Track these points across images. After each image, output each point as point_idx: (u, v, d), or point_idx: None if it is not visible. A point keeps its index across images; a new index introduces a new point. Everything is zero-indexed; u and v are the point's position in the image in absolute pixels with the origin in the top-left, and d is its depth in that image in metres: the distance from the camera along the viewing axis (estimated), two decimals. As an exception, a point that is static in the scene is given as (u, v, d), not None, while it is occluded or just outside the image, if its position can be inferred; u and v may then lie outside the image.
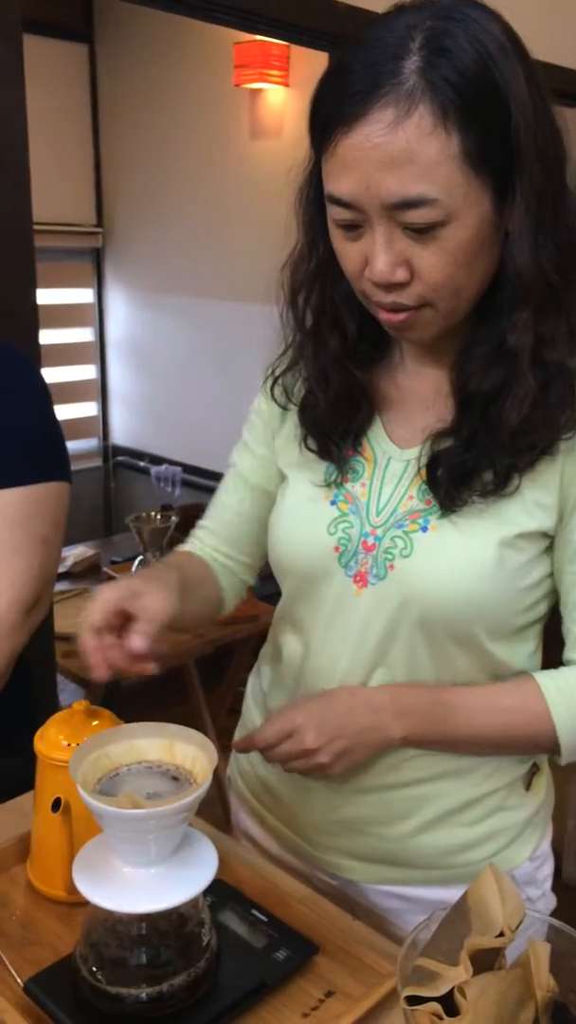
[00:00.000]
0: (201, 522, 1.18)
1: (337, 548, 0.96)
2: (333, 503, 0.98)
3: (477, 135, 0.77)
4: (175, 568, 1.05)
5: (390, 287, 0.84)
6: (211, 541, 1.15)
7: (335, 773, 0.93)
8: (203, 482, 4.04)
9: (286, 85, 3.41)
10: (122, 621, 0.87)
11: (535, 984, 0.70)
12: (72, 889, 0.93)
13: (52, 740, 0.94)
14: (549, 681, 0.93)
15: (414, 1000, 0.68)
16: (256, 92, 3.51)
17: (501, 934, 0.71)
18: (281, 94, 3.45)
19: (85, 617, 0.87)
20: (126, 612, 0.87)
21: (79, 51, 4.18)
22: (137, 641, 0.85)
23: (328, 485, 0.98)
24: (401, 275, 0.82)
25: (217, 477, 4.00)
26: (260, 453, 1.10)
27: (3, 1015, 0.79)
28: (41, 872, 0.97)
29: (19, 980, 0.83)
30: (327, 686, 0.98)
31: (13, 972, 0.85)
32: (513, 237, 0.82)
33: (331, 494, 0.98)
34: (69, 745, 0.93)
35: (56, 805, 0.93)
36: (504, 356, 0.85)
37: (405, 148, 0.76)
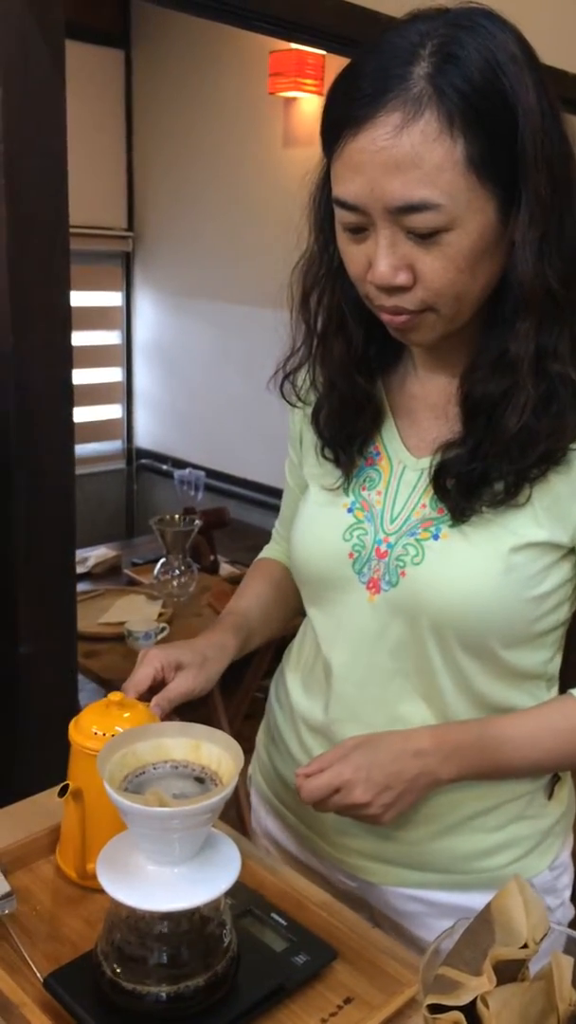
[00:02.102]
0: (277, 526, 1.26)
1: (352, 555, 0.97)
2: (350, 510, 0.99)
3: (483, 143, 0.78)
4: (239, 627, 1.12)
5: (392, 291, 0.85)
6: (286, 546, 1.19)
7: (386, 822, 0.93)
8: (226, 487, 4.05)
9: (320, 94, 3.42)
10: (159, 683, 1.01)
11: (557, 997, 0.70)
12: (84, 875, 0.95)
13: (85, 729, 0.96)
14: None
15: (436, 1009, 0.68)
16: (290, 101, 3.53)
17: (525, 946, 0.70)
18: (315, 103, 3.46)
19: (134, 681, 1.01)
20: (162, 679, 1.01)
21: (115, 56, 4.22)
22: (155, 710, 0.98)
23: (346, 492, 1.00)
24: (403, 279, 0.83)
25: (239, 482, 4.02)
26: (297, 461, 1.13)
27: (23, 1010, 0.80)
28: (63, 856, 1.00)
29: (39, 975, 0.84)
30: (349, 692, 0.99)
31: (34, 967, 0.85)
32: (517, 247, 0.82)
33: (348, 501, 0.99)
34: (101, 734, 0.94)
35: (63, 791, 0.94)
36: (507, 365, 0.86)
37: (410, 152, 0.77)
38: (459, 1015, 0.66)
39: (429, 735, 0.93)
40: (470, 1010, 0.67)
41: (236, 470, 4.07)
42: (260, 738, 1.20)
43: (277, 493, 4.21)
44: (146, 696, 1.00)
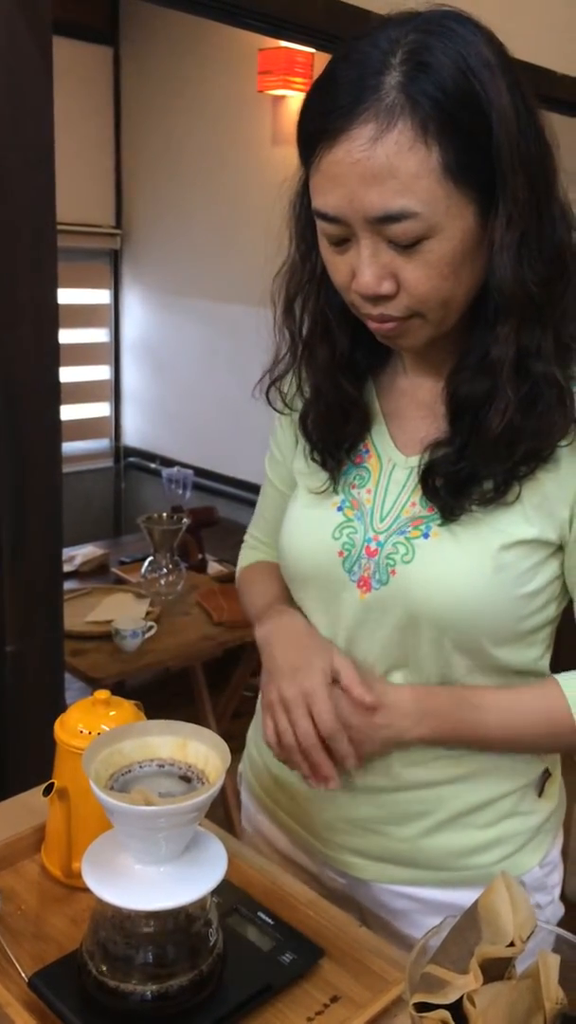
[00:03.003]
0: (252, 531, 1.23)
1: (341, 553, 0.97)
2: (340, 509, 0.99)
3: (458, 149, 0.78)
4: (289, 600, 1.07)
5: (377, 299, 0.85)
6: (267, 550, 1.20)
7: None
8: (214, 485, 4.05)
9: (309, 92, 3.42)
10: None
11: (544, 995, 0.70)
12: (69, 874, 0.94)
13: (71, 727, 0.95)
14: (572, 681, 0.94)
15: (423, 1007, 0.68)
16: (279, 99, 3.53)
17: (512, 944, 0.70)
18: (304, 101, 3.46)
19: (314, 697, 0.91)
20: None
21: (103, 53, 4.20)
22: (368, 696, 0.90)
23: (335, 491, 0.99)
24: (387, 288, 0.83)
25: (228, 481, 4.03)
26: (283, 460, 1.12)
27: (7, 1010, 0.79)
28: (48, 855, 0.99)
29: (24, 975, 0.83)
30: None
31: (18, 966, 0.85)
32: (495, 250, 0.82)
33: (338, 500, 0.99)
34: (87, 733, 0.94)
35: (48, 789, 0.93)
36: (489, 366, 0.86)
37: (385, 163, 0.77)
38: (446, 1014, 0.66)
39: (409, 691, 0.94)
40: (457, 1008, 0.67)
41: (224, 469, 4.07)
42: (250, 735, 1.20)
43: (265, 492, 4.10)
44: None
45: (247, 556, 1.23)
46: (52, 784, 0.93)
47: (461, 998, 0.67)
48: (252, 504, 4.15)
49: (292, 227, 0.95)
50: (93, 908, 0.81)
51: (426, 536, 0.92)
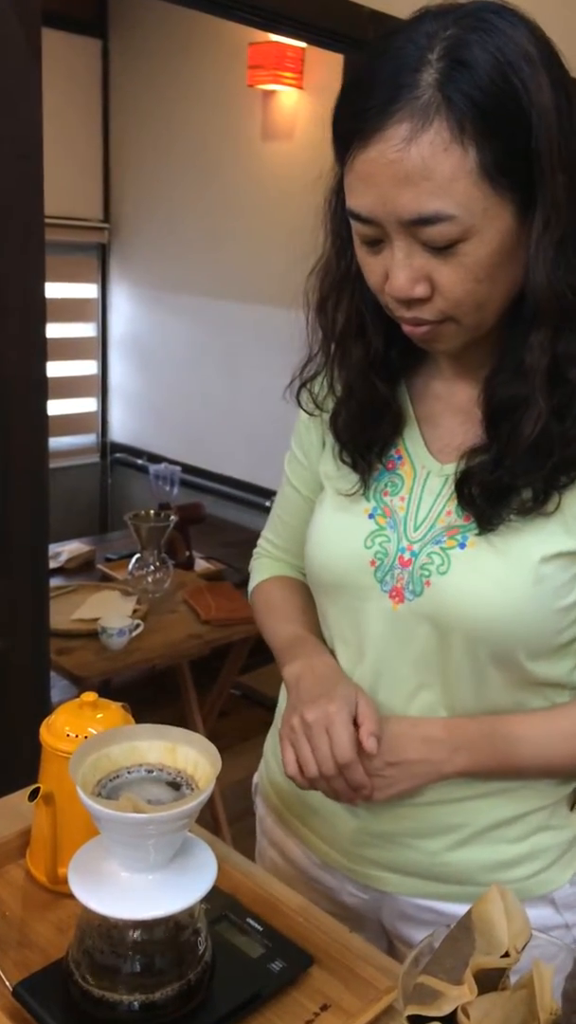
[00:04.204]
0: (267, 534, 1.19)
1: (373, 562, 0.94)
2: (371, 516, 0.95)
3: (496, 149, 0.75)
4: (312, 628, 1.05)
5: (410, 303, 0.82)
6: (284, 556, 1.16)
7: (376, 799, 0.91)
8: (201, 482, 4.03)
9: (300, 88, 3.40)
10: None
11: (539, 1006, 0.69)
12: (55, 880, 0.93)
13: (57, 731, 0.94)
14: None
15: (416, 1020, 0.66)
16: (269, 94, 3.50)
17: (506, 954, 0.69)
18: (294, 96, 3.44)
19: (339, 725, 0.89)
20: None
21: (92, 45, 4.17)
22: (370, 743, 0.88)
23: (365, 497, 0.96)
24: (421, 291, 0.81)
25: (215, 478, 4.00)
26: (307, 463, 1.08)
27: (-9, 1019, 0.78)
28: (33, 860, 0.97)
29: (8, 983, 0.82)
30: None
31: (2, 975, 0.83)
32: (531, 253, 0.79)
33: (369, 507, 0.96)
34: (74, 736, 0.92)
35: (34, 794, 0.92)
36: (525, 371, 0.83)
37: (420, 164, 0.75)
38: (440, 1026, 0.65)
39: (442, 725, 0.92)
40: (450, 1020, 0.66)
41: (212, 465, 4.05)
42: (268, 745, 1.16)
43: (253, 489, 4.21)
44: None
45: (262, 567, 1.18)
46: (38, 788, 0.92)
47: (455, 1010, 0.66)
48: (240, 501, 4.15)
49: (327, 224, 0.92)
50: (79, 916, 0.79)
51: (462, 546, 0.89)
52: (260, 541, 1.20)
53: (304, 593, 1.12)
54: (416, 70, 0.75)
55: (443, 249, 0.78)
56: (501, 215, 0.77)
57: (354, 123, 0.78)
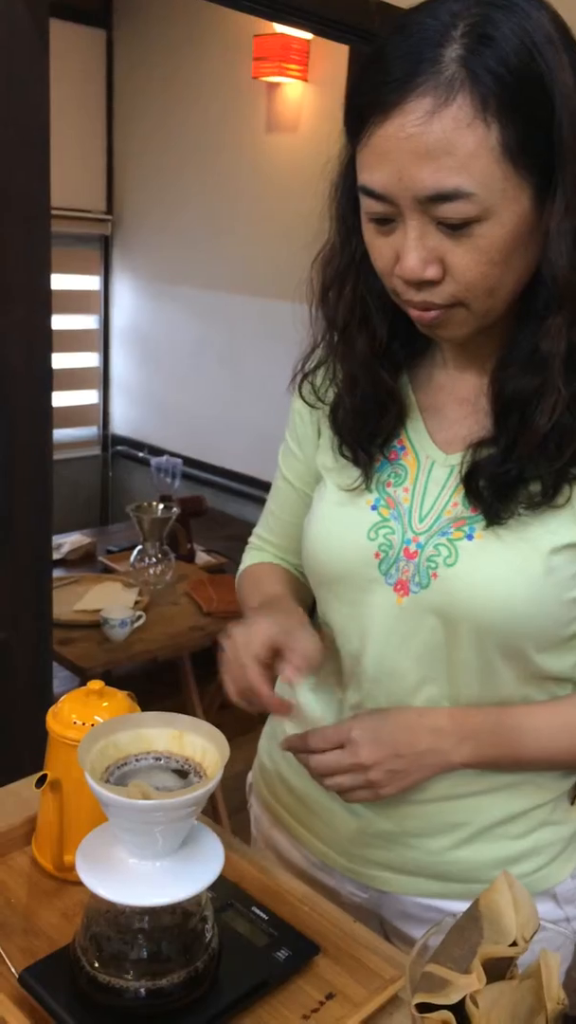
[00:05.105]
0: (259, 531, 1.17)
1: (378, 555, 0.93)
2: (374, 508, 0.94)
3: (518, 128, 0.74)
4: (291, 597, 1.02)
5: (421, 285, 0.81)
6: (276, 552, 1.14)
7: (386, 794, 0.90)
8: (202, 475, 4.03)
9: (305, 80, 3.39)
10: (271, 659, 0.88)
11: (546, 995, 0.69)
12: (61, 867, 0.93)
13: (64, 718, 0.93)
14: None
15: (424, 1008, 0.66)
16: (274, 86, 3.49)
17: (514, 943, 0.69)
18: (299, 89, 3.43)
19: (245, 647, 0.87)
20: (278, 649, 0.87)
21: (96, 36, 4.15)
22: (295, 676, 0.86)
23: (368, 489, 0.95)
24: (432, 272, 0.79)
25: (216, 471, 3.99)
26: (302, 456, 1.07)
27: (-3, 1005, 0.78)
28: (39, 848, 0.97)
29: (14, 970, 0.82)
30: (372, 696, 0.96)
31: (8, 962, 0.83)
32: (551, 238, 0.78)
33: (372, 498, 0.95)
34: (81, 724, 0.92)
35: (41, 781, 0.92)
36: (539, 360, 0.82)
37: (441, 139, 0.73)
38: (448, 1014, 0.65)
39: (447, 715, 0.91)
40: (459, 1008, 0.66)
41: (213, 458, 4.05)
42: (262, 744, 1.16)
43: (254, 482, 4.20)
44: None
45: (250, 558, 1.17)
46: (44, 776, 0.92)
47: (464, 998, 0.66)
48: (241, 494, 4.13)
49: (333, 210, 0.90)
50: (87, 903, 0.79)
51: (470, 538, 0.88)
52: (252, 537, 1.19)
53: (292, 574, 1.11)
54: (440, 45, 0.74)
55: (458, 229, 0.76)
56: (519, 198, 0.76)
57: (373, 96, 0.76)
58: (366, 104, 0.77)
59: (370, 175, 0.79)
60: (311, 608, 1.08)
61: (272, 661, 0.88)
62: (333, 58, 3.27)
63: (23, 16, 1.50)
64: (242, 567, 1.18)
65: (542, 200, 0.77)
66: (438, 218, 0.77)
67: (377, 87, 0.76)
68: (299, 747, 0.94)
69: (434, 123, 0.73)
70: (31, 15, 1.50)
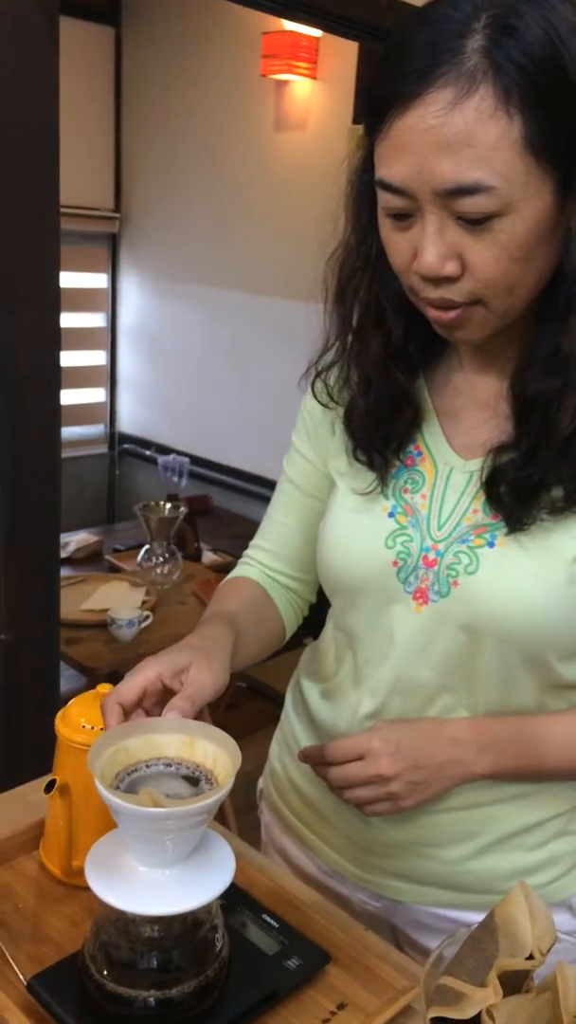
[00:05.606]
0: (255, 541, 1.13)
1: (396, 563, 0.91)
2: (391, 515, 0.92)
3: (541, 121, 0.72)
4: (229, 622, 0.97)
5: (439, 282, 0.79)
6: (269, 562, 1.10)
7: (406, 806, 0.89)
8: (209, 474, 4.02)
9: (313, 78, 3.38)
10: (161, 695, 0.84)
11: (563, 1008, 0.68)
12: (69, 872, 0.92)
13: (73, 722, 0.93)
14: None
15: (440, 1022, 0.65)
16: (282, 83, 3.48)
17: (531, 956, 0.68)
18: (308, 87, 3.42)
19: (116, 692, 0.82)
20: (167, 688, 0.84)
21: (105, 33, 4.14)
22: (181, 713, 0.82)
23: (384, 496, 0.93)
24: (451, 269, 0.77)
25: (223, 470, 3.98)
26: (312, 459, 1.05)
27: (5, 1013, 0.77)
28: (47, 852, 0.96)
29: (22, 977, 0.81)
30: (388, 706, 0.94)
31: (16, 969, 0.82)
32: (573, 234, 0.77)
33: (388, 505, 0.93)
34: (90, 728, 0.91)
35: (50, 787, 0.91)
36: (560, 362, 0.81)
37: (463, 131, 0.72)
38: (464, 1028, 0.64)
39: (468, 725, 0.90)
40: (474, 1022, 0.65)
41: (220, 457, 4.04)
42: (273, 750, 1.14)
43: (262, 481, 4.19)
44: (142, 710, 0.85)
45: (232, 573, 1.13)
46: (53, 781, 0.91)
47: (479, 1012, 0.65)
48: (247, 493, 4.13)
49: (349, 207, 0.89)
50: (96, 910, 0.78)
51: (491, 545, 0.87)
52: (248, 550, 1.14)
53: (258, 591, 1.08)
54: (461, 35, 0.72)
55: (477, 224, 0.75)
56: (540, 192, 0.75)
57: (393, 87, 0.75)
58: (385, 95, 0.75)
59: (388, 169, 0.77)
60: (281, 625, 1.06)
61: (161, 698, 0.84)
62: (342, 56, 3.26)
63: (33, 14, 1.49)
64: (230, 575, 1.14)
65: (564, 195, 0.76)
66: (458, 213, 0.75)
67: (397, 78, 0.74)
68: (317, 759, 0.93)
69: (455, 114, 0.72)
70: (41, 12, 1.49)
